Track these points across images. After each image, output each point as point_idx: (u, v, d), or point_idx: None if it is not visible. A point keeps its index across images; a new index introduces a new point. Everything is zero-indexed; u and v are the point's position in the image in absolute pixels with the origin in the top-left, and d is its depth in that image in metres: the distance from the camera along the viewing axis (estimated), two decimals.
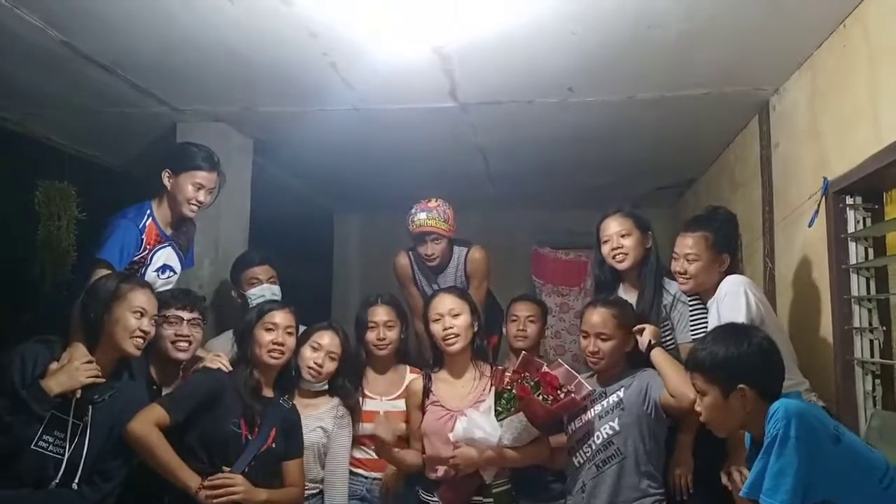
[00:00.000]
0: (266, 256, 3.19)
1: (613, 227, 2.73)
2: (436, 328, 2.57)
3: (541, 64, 2.81)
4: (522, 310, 3.10)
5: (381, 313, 2.84)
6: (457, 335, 2.54)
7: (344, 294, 6.08)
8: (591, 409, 2.48)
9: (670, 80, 2.98)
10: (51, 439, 2.07)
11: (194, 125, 3.52)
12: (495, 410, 2.43)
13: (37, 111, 3.46)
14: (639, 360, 2.51)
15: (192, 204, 2.74)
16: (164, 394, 2.44)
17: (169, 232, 2.78)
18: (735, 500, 2.18)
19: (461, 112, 3.33)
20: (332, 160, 4.28)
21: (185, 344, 2.49)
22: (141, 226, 2.64)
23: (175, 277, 2.82)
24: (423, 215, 3.30)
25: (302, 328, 2.68)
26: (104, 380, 2.14)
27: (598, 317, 2.48)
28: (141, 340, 2.20)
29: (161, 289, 2.65)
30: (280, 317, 2.52)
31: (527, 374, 2.43)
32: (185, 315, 2.50)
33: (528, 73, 2.90)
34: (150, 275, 2.68)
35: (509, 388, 2.41)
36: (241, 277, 3.14)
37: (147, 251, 2.68)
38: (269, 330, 2.48)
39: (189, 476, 2.18)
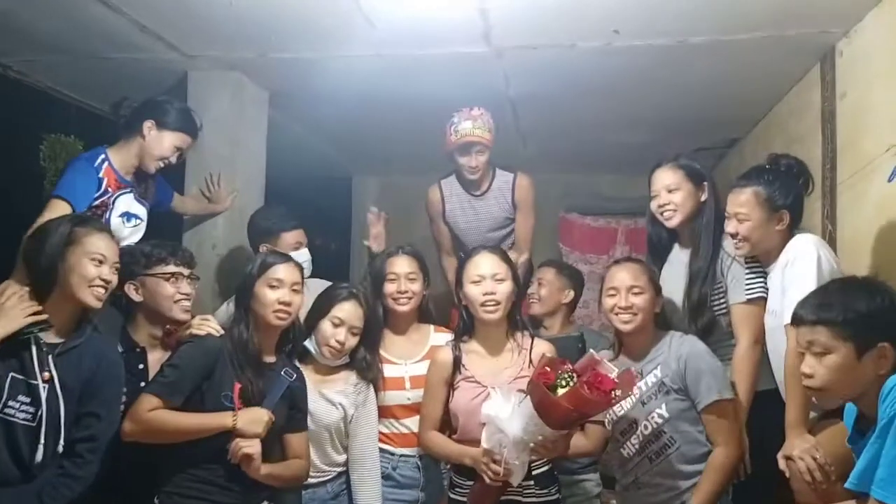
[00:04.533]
0: (300, 223, 2.98)
1: (661, 180, 2.52)
2: (474, 291, 2.26)
3: (585, 1, 2.56)
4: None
5: (402, 264, 2.58)
6: (497, 303, 2.24)
7: (362, 261, 5.87)
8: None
9: (726, 21, 2.71)
10: (17, 405, 1.86)
11: (207, 74, 3.32)
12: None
13: (40, 57, 3.26)
14: (663, 322, 2.33)
15: (162, 163, 2.68)
16: (149, 358, 2.24)
17: (129, 178, 2.67)
18: (793, 486, 1.96)
19: (495, 58, 3.08)
20: (351, 114, 4.02)
21: (188, 303, 2.27)
22: (96, 166, 2.53)
23: (142, 226, 2.70)
24: (468, 124, 3.08)
25: (320, 282, 2.57)
26: (47, 322, 1.90)
27: (626, 271, 2.29)
28: (102, 290, 1.96)
29: (129, 238, 2.58)
30: (284, 271, 2.20)
31: (567, 366, 2.01)
32: (185, 271, 2.28)
33: (571, 12, 2.65)
34: (115, 220, 2.56)
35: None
36: (280, 239, 2.89)
37: (109, 195, 2.56)
38: (273, 287, 2.17)
39: (218, 418, 2.01)
